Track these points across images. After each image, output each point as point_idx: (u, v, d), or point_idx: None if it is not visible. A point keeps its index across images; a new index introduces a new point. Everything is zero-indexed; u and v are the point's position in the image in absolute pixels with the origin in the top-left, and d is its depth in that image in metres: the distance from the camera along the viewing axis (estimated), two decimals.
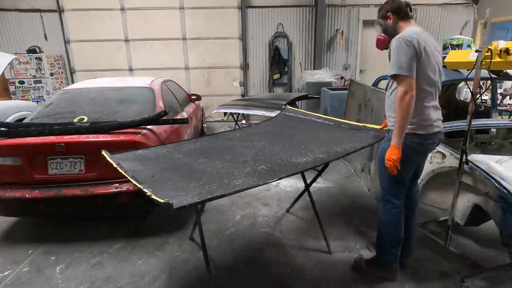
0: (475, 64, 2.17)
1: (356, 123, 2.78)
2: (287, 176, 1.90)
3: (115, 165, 1.90)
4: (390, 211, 2.19)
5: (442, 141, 2.27)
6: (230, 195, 1.73)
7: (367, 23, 7.87)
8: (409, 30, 1.98)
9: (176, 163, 2.13)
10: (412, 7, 2.13)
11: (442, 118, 2.11)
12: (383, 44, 2.20)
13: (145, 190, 1.59)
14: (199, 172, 1.95)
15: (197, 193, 1.66)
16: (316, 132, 2.72)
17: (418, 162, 2.20)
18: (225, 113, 5.68)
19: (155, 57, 7.78)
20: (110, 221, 3.25)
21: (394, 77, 1.94)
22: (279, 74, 7.94)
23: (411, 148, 2.03)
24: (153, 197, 1.51)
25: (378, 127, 2.51)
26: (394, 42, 1.93)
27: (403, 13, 2.06)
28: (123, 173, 1.82)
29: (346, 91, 4.75)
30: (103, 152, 2.11)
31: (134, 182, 1.71)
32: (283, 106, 3.49)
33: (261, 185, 1.81)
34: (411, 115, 1.91)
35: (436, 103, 2.06)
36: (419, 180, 2.49)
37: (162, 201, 1.44)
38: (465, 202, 2.38)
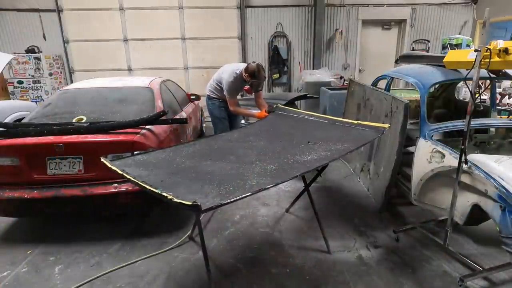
0: (474, 64, 2.17)
1: (351, 121, 2.77)
2: (301, 174, 1.89)
3: (120, 172, 1.82)
4: None
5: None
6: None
7: (366, 23, 7.87)
8: None
9: (181, 167, 2.08)
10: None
11: None
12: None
13: (165, 194, 1.51)
14: (208, 174, 1.92)
15: (215, 194, 1.62)
16: (312, 130, 2.72)
17: None
18: None
19: (154, 57, 7.77)
20: (109, 221, 3.24)
21: None
22: (278, 74, 7.93)
23: None
24: (176, 200, 1.44)
25: (374, 124, 2.50)
26: None
27: None
28: (132, 179, 1.73)
29: (345, 91, 4.76)
30: (103, 159, 2.02)
31: (148, 187, 1.62)
32: (274, 106, 3.49)
33: (280, 183, 1.78)
34: None
35: None
36: (417, 180, 2.38)
37: (189, 203, 1.37)
38: (464, 201, 2.38)
